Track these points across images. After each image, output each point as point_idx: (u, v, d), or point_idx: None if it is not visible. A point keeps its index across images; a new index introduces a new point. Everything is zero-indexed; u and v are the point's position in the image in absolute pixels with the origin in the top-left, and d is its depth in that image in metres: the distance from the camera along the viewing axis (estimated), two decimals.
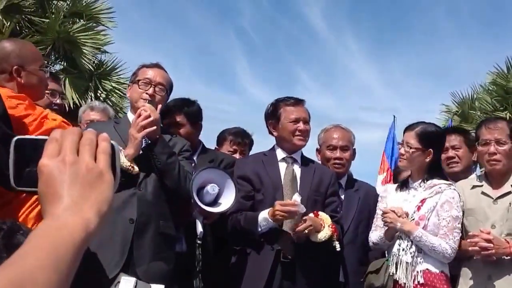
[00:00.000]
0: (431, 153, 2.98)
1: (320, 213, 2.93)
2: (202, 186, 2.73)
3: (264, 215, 2.90)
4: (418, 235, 2.82)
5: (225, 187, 2.76)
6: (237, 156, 3.60)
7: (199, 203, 2.67)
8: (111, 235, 2.56)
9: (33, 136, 0.75)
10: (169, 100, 3.12)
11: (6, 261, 0.55)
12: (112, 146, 0.72)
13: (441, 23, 22.48)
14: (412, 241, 2.84)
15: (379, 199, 3.16)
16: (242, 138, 3.72)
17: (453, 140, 3.53)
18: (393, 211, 2.86)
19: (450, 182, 3.09)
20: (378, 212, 3.09)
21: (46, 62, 2.62)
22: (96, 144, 0.70)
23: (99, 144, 0.70)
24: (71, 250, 0.59)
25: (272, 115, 3.19)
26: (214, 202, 2.77)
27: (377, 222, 3.08)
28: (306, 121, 3.16)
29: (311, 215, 2.92)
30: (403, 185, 3.08)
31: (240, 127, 3.84)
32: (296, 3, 23.46)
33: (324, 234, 2.89)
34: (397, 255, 2.84)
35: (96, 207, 0.65)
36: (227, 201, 2.74)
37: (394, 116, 7.56)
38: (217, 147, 3.78)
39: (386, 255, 3.03)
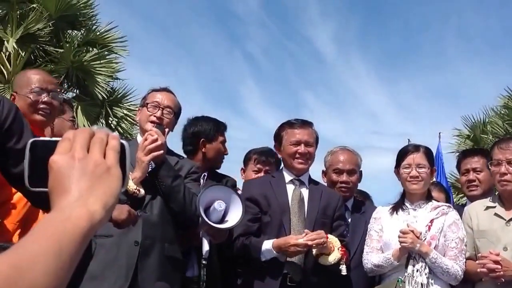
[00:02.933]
0: (435, 171, 3.01)
1: (330, 236, 2.90)
2: (208, 206, 2.72)
3: (267, 247, 2.87)
4: (434, 257, 2.81)
5: (230, 203, 2.75)
6: (261, 175, 3.55)
7: (208, 221, 2.67)
8: (115, 258, 2.56)
9: (47, 138, 0.78)
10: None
11: (11, 247, 0.57)
12: (122, 145, 0.74)
13: (451, 46, 22.55)
14: (425, 262, 2.82)
15: (372, 221, 3.11)
16: (266, 156, 3.65)
17: (475, 162, 3.49)
18: (412, 231, 2.82)
19: (449, 204, 3.10)
20: (373, 234, 3.06)
21: (39, 86, 2.60)
22: (106, 142, 0.72)
23: (109, 142, 0.73)
24: (74, 240, 0.60)
25: (276, 137, 3.19)
26: (221, 220, 2.76)
27: (373, 244, 3.03)
28: (309, 144, 3.11)
29: None
30: (398, 206, 3.06)
31: (267, 147, 3.74)
32: (304, 28, 23.73)
33: (333, 257, 2.85)
34: (412, 276, 2.82)
35: (103, 200, 0.67)
36: (235, 216, 2.73)
37: (440, 133, 7.05)
38: (243, 167, 3.76)
39: (384, 279, 2.97)
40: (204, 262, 2.77)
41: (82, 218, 0.63)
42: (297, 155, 3.08)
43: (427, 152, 3.09)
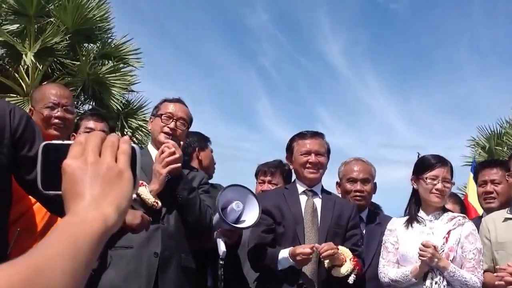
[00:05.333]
0: (453, 185, 3.01)
1: (340, 247, 2.88)
2: (224, 206, 2.73)
3: (284, 255, 2.87)
4: (452, 271, 2.78)
5: (246, 203, 2.76)
6: (265, 186, 3.59)
7: (228, 222, 2.67)
8: (136, 269, 2.57)
9: (59, 141, 0.79)
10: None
11: (29, 250, 0.58)
12: (133, 148, 0.76)
13: (462, 58, 22.35)
14: (443, 276, 2.80)
15: (387, 232, 3.08)
16: (268, 167, 3.69)
17: (494, 174, 3.45)
18: (434, 246, 2.78)
19: (464, 215, 3.08)
20: (389, 246, 3.03)
21: (52, 100, 2.64)
22: (117, 146, 0.74)
23: (120, 146, 0.74)
24: (89, 242, 0.62)
25: (288, 149, 3.22)
26: (237, 220, 2.77)
27: (389, 256, 3.00)
28: (319, 153, 3.11)
29: None
30: (413, 218, 3.02)
31: (277, 159, 3.77)
32: (316, 42, 23.65)
33: (346, 268, 2.83)
34: None
35: (116, 203, 0.68)
36: (251, 217, 2.74)
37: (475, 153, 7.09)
38: (256, 182, 3.82)
39: None
40: (221, 262, 2.77)
41: (97, 221, 0.64)
42: (308, 165, 3.09)
43: (451, 167, 3.05)
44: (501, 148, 10.63)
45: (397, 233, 3.03)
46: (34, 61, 9.03)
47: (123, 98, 9.94)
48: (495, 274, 2.82)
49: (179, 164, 2.67)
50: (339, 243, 2.93)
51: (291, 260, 2.84)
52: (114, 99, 9.57)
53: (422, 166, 3.02)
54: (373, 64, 25.17)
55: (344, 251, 2.88)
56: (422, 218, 3.01)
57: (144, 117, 9.82)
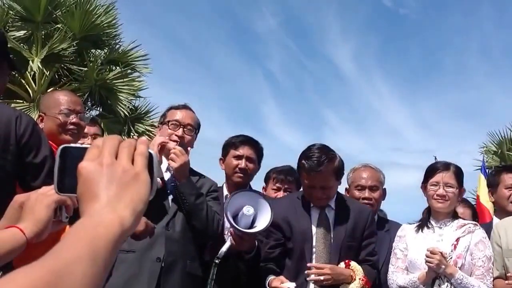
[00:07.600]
0: (463, 192, 2.95)
1: (352, 263, 2.80)
2: (237, 211, 2.72)
3: (267, 282, 2.77)
4: (460, 278, 2.76)
5: (258, 208, 2.73)
6: (280, 194, 3.56)
7: (235, 225, 2.66)
8: (137, 274, 2.57)
9: (77, 145, 0.79)
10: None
11: (46, 253, 0.57)
12: (150, 154, 0.74)
13: (473, 62, 22.25)
14: (451, 283, 2.77)
15: (397, 239, 3.05)
16: (285, 175, 3.64)
17: (510, 179, 3.43)
18: (441, 253, 2.75)
19: (475, 222, 3.04)
20: (398, 252, 3.00)
21: (67, 107, 2.65)
22: (134, 148, 0.72)
23: (137, 147, 0.73)
24: (107, 245, 0.60)
25: (298, 173, 3.05)
26: (251, 226, 2.75)
27: (398, 263, 2.97)
28: (324, 187, 2.86)
29: (342, 264, 2.79)
30: (424, 224, 2.99)
31: (288, 165, 3.71)
32: (324, 46, 23.60)
33: (354, 287, 2.75)
34: None
35: (132, 206, 0.67)
36: (263, 220, 2.71)
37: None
38: (264, 186, 3.77)
39: None
40: (216, 261, 2.73)
41: (113, 224, 0.63)
42: (315, 196, 2.91)
43: (457, 171, 2.99)
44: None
45: (406, 239, 3.01)
46: (41, 67, 9.08)
47: (130, 103, 9.95)
48: (506, 282, 2.80)
49: (182, 162, 2.66)
50: (352, 257, 2.84)
51: None
52: (121, 105, 9.58)
53: (426, 173, 3.04)
54: (382, 68, 25.10)
55: (356, 268, 2.79)
56: (432, 225, 2.99)
57: (151, 122, 9.84)
